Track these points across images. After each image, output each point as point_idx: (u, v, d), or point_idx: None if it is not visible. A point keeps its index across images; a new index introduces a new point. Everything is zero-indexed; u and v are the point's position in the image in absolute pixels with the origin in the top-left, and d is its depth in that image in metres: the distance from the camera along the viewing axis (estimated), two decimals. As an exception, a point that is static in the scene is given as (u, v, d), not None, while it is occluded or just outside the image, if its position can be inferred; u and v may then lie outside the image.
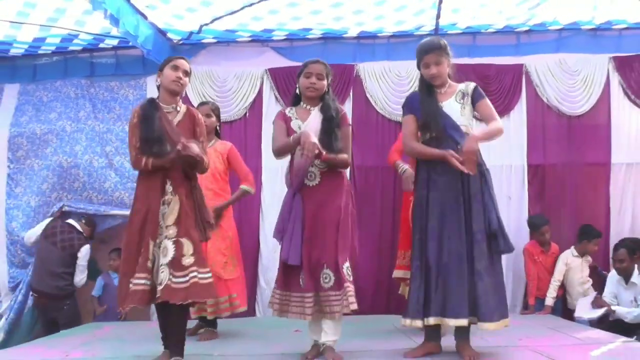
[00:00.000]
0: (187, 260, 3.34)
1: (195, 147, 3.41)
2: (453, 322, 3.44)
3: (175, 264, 3.31)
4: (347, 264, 3.51)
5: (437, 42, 3.63)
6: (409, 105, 3.74)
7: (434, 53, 3.57)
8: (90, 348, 4.22)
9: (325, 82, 3.68)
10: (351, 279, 3.52)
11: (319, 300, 3.49)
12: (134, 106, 5.98)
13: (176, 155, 3.36)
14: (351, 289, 3.48)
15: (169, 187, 3.45)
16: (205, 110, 4.59)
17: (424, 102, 3.64)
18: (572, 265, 5.60)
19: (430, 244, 3.53)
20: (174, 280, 3.29)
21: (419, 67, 3.68)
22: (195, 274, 3.33)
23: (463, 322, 3.41)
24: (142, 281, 3.33)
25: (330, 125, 3.61)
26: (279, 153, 3.72)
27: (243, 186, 4.70)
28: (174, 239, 3.36)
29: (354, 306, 3.44)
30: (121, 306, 3.40)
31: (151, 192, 3.44)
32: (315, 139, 3.42)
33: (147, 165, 3.42)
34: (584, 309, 5.26)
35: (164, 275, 3.30)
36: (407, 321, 3.57)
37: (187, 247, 3.37)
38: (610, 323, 5.00)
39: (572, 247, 5.66)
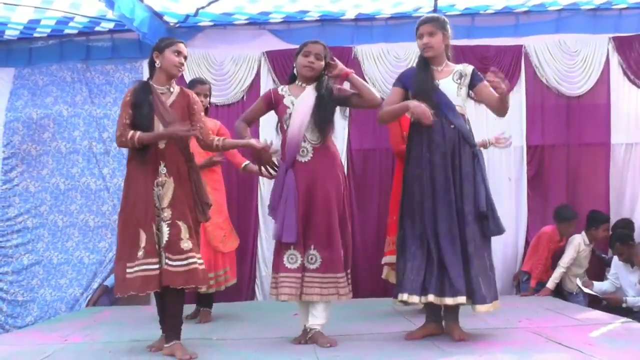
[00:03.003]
0: (186, 244, 3.33)
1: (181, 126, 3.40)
2: (451, 301, 3.43)
3: (172, 247, 3.30)
4: (342, 251, 3.53)
5: (434, 15, 3.70)
6: (402, 79, 3.76)
7: (428, 24, 3.58)
8: (90, 332, 4.23)
9: (322, 63, 3.66)
10: (345, 267, 3.56)
11: (303, 281, 3.49)
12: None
13: (167, 134, 3.36)
14: (343, 280, 3.53)
15: (162, 169, 3.41)
16: (204, 90, 4.61)
17: (419, 76, 3.62)
18: (583, 254, 5.56)
19: (428, 223, 3.52)
20: (172, 264, 3.28)
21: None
22: (195, 259, 3.33)
23: (462, 299, 3.40)
24: (154, 266, 3.29)
25: (323, 102, 3.60)
26: (237, 129, 3.78)
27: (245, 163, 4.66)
28: (169, 222, 3.35)
29: (347, 297, 3.55)
30: (120, 292, 3.35)
31: (144, 174, 3.41)
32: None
33: (132, 139, 3.37)
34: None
35: (162, 259, 3.31)
36: (405, 295, 3.51)
37: (184, 230, 3.35)
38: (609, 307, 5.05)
39: (584, 234, 5.58)
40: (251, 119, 3.85)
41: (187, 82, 4.88)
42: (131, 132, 3.39)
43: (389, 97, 3.76)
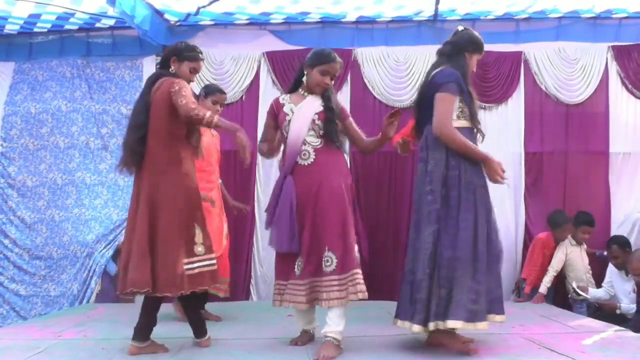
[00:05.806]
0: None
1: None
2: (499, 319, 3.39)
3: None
4: (355, 248, 3.42)
5: None
6: (459, 84, 3.42)
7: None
8: (84, 329, 4.23)
9: (333, 82, 3.64)
10: (358, 263, 3.42)
11: (317, 286, 3.36)
12: (130, 88, 6.02)
13: (237, 136, 3.22)
14: (360, 276, 3.35)
15: None
16: (221, 99, 4.64)
17: (468, 86, 3.47)
18: (572, 256, 5.55)
19: (493, 237, 3.39)
20: None
21: (476, 52, 3.57)
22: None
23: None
24: (214, 261, 3.40)
25: (332, 115, 3.55)
26: (261, 152, 3.77)
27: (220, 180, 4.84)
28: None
29: (363, 295, 3.29)
30: (184, 289, 3.27)
31: (194, 169, 3.47)
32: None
33: (210, 118, 3.22)
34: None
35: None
36: (484, 323, 3.26)
37: None
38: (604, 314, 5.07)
39: (570, 236, 5.61)
40: (267, 136, 3.74)
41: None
42: (207, 112, 3.27)
43: (449, 108, 3.38)
